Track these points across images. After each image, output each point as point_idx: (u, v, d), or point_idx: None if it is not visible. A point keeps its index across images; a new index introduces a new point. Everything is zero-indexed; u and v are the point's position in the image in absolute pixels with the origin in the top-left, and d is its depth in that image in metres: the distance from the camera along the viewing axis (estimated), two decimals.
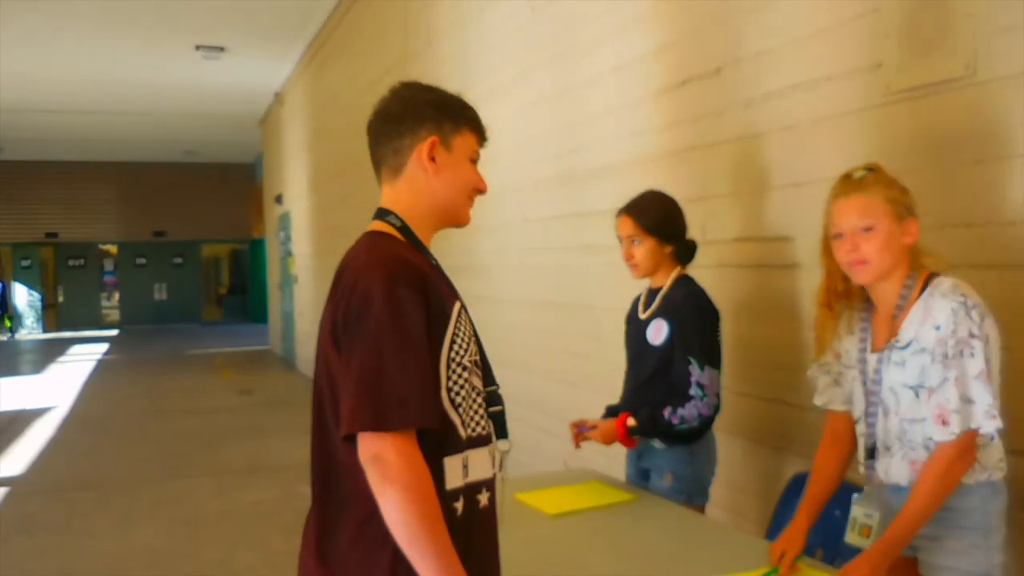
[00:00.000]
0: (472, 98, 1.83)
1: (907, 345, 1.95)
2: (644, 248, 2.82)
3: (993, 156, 2.23)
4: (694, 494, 2.81)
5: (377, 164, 1.77)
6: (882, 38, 2.53)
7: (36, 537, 5.46)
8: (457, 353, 1.60)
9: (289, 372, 13.60)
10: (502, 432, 1.72)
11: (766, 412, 3.11)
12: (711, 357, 2.71)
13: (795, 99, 2.89)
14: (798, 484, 2.62)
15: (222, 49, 11.12)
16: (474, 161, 1.75)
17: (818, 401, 2.23)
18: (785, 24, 2.93)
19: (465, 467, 1.60)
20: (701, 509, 2.82)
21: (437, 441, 1.56)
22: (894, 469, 2.02)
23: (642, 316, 2.87)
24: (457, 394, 1.59)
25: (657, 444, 2.80)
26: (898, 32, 2.48)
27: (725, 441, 3.02)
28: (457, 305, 1.64)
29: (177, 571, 4.80)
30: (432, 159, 1.70)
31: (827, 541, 2.29)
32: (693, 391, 2.66)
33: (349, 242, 1.80)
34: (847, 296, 2.11)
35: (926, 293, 1.95)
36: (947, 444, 1.88)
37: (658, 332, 2.78)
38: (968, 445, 1.89)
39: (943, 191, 2.33)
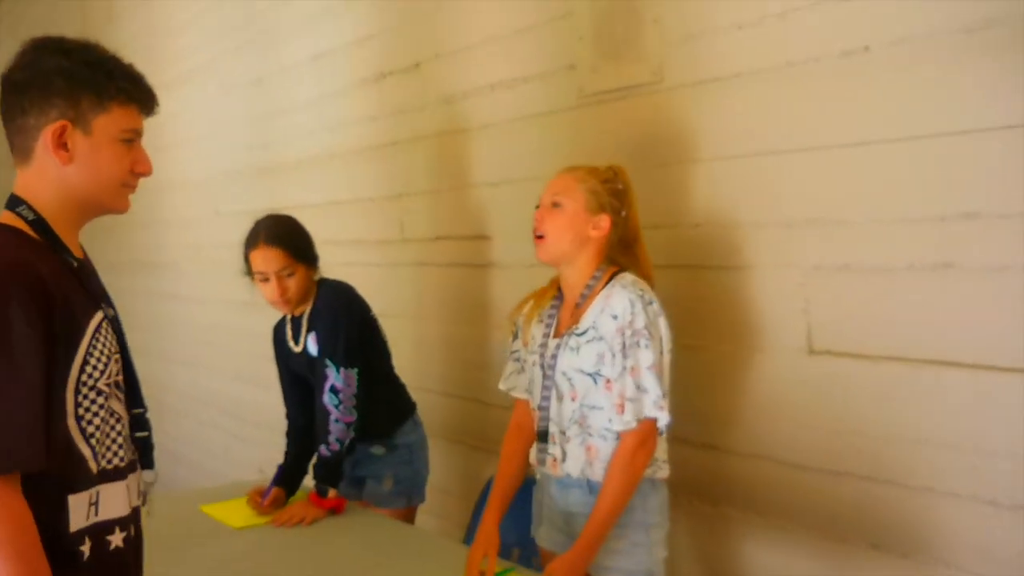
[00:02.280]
0: (159, 84, 1.58)
1: (584, 332, 1.97)
2: (298, 279, 2.54)
3: (677, 160, 2.31)
4: (414, 495, 2.72)
5: (8, 140, 1.45)
6: (576, 41, 2.56)
7: None
8: (91, 376, 1.37)
9: None
10: (148, 461, 1.51)
11: (465, 411, 3.08)
12: (350, 357, 2.52)
13: (493, 97, 2.88)
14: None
15: None
16: (130, 140, 1.45)
17: (502, 386, 2.21)
18: (484, 23, 2.91)
19: (94, 504, 1.37)
20: (414, 511, 2.74)
21: (61, 478, 1.33)
22: (570, 456, 2.00)
23: (297, 348, 2.63)
24: (90, 423, 1.37)
25: (376, 450, 2.67)
26: (591, 36, 2.52)
27: (429, 443, 2.95)
28: (97, 317, 1.41)
29: None
30: (64, 146, 1.39)
31: (523, 539, 2.26)
32: (326, 398, 2.49)
33: None
34: (551, 286, 2.10)
35: (610, 284, 1.98)
36: (628, 433, 1.90)
37: (315, 346, 2.58)
38: (648, 433, 1.92)
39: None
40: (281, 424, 2.78)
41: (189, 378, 5.28)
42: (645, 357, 1.90)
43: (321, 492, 2.49)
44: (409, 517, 2.71)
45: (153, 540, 2.32)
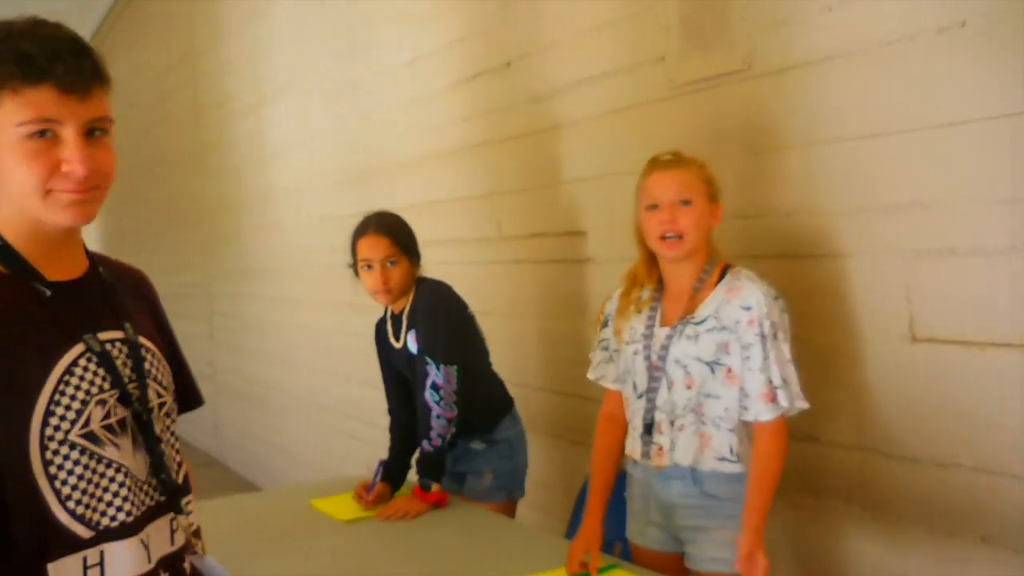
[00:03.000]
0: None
1: (703, 321, 1.96)
2: (401, 270, 2.60)
3: (769, 147, 2.27)
4: (514, 489, 2.75)
5: None
6: (664, 32, 2.55)
7: None
8: (58, 428, 1.15)
9: None
10: (174, 505, 1.29)
11: (564, 407, 3.09)
12: (449, 354, 2.55)
13: (582, 93, 2.88)
14: None
15: None
16: (42, 134, 1.15)
17: (591, 375, 2.22)
18: (571, 19, 2.92)
19: (97, 566, 1.18)
20: (515, 505, 2.77)
21: (34, 544, 1.14)
22: (680, 444, 1.99)
23: (398, 345, 2.68)
24: (64, 483, 1.15)
25: (476, 445, 2.71)
26: (679, 26, 2.50)
27: (528, 438, 2.98)
28: (70, 355, 1.18)
29: None
30: None
31: (619, 527, 2.26)
32: (427, 395, 2.53)
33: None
34: (648, 278, 2.09)
35: (728, 277, 1.98)
36: (772, 422, 1.90)
37: (415, 344, 2.62)
38: (784, 425, 1.92)
39: (725, 183, 2.36)
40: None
41: (303, 380, 5.44)
42: (785, 349, 1.91)
43: (424, 487, 2.54)
44: (510, 511, 2.74)
45: (265, 532, 2.44)
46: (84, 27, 10.09)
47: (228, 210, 6.41)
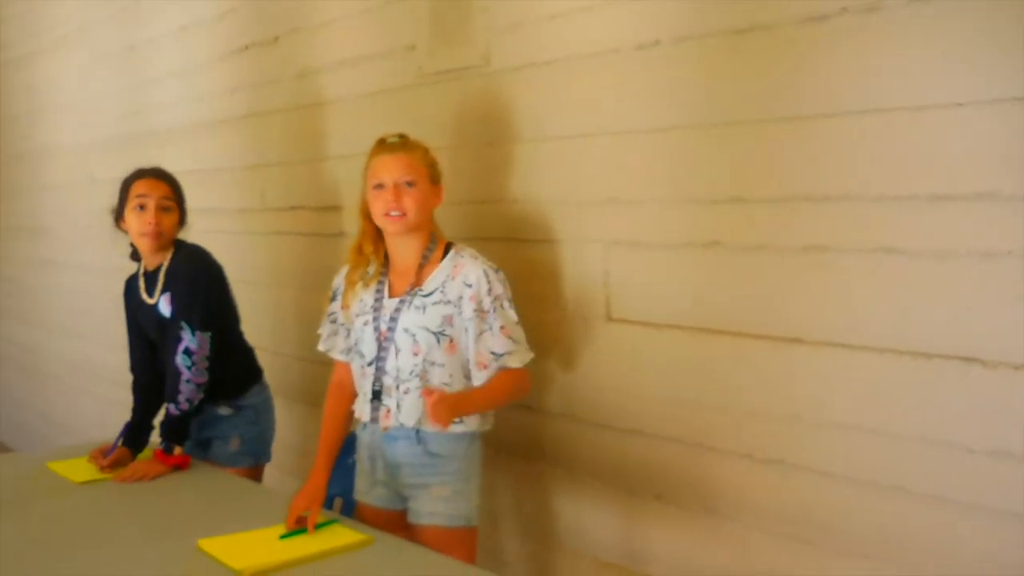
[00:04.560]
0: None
1: (430, 293, 2.14)
2: (171, 219, 2.63)
3: (502, 139, 2.46)
4: (261, 454, 2.82)
5: None
6: (416, 23, 2.68)
7: None
8: None
9: None
10: None
11: (320, 375, 3.19)
12: (206, 321, 2.61)
13: (342, 73, 2.99)
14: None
15: None
16: None
17: (321, 347, 2.36)
18: (337, 0, 3.01)
19: None
20: (261, 470, 2.85)
21: None
22: (405, 407, 2.15)
23: (150, 301, 2.69)
24: None
25: (223, 411, 2.76)
26: (428, 19, 2.65)
27: (285, 405, 3.07)
28: None
29: None
30: None
31: (345, 489, 2.40)
32: (179, 359, 2.59)
33: None
34: (375, 253, 2.23)
35: (453, 253, 2.16)
36: (516, 370, 2.12)
37: (168, 306, 2.66)
38: (527, 375, 2.15)
39: (464, 169, 2.53)
40: None
41: (65, 344, 5.27)
42: (511, 315, 2.12)
43: (167, 449, 2.58)
44: (256, 476, 2.82)
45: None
46: None
47: None
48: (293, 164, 3.27)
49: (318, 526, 2.08)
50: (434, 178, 2.19)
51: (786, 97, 1.82)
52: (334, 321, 2.32)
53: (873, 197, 1.70)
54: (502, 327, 2.11)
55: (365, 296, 2.23)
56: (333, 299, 2.32)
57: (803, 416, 1.84)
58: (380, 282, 2.22)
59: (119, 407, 4.44)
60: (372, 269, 2.23)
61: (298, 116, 3.21)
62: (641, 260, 2.13)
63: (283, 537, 2.05)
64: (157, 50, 4.06)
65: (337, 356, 2.32)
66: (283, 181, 3.32)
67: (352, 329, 2.26)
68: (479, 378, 2.12)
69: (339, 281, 2.30)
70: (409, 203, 2.13)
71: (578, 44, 2.23)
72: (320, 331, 2.36)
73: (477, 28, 2.50)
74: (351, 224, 3.00)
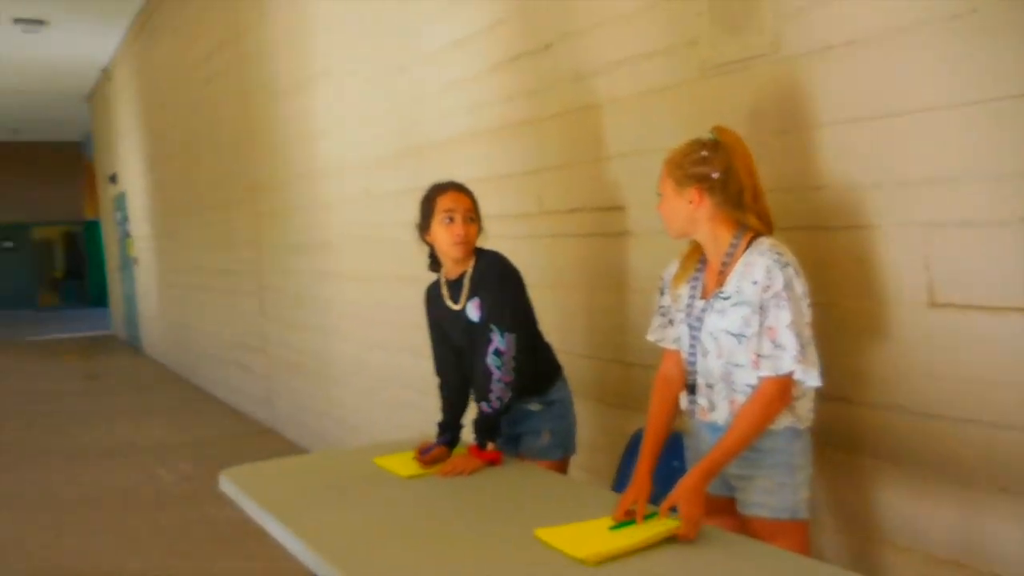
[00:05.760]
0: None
1: (729, 296, 2.14)
2: (475, 231, 2.78)
3: (797, 126, 2.41)
4: (569, 445, 2.93)
5: None
6: (696, 17, 2.68)
7: None
8: None
9: (135, 356, 13.15)
10: None
11: (607, 373, 3.26)
12: (513, 322, 2.72)
13: (619, 74, 3.02)
14: (639, 440, 2.77)
15: (42, 23, 10.51)
16: None
17: (650, 337, 2.40)
18: (607, 2, 3.05)
19: None
20: (567, 462, 2.95)
21: None
22: (718, 407, 2.19)
23: (456, 307, 2.83)
24: None
25: (533, 406, 2.88)
26: (710, 10, 2.63)
27: (575, 403, 3.15)
28: None
29: (36, 562, 4.64)
30: None
31: (668, 489, 2.41)
32: (490, 360, 2.70)
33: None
34: (697, 250, 2.28)
35: (749, 249, 2.14)
36: (767, 382, 2.06)
37: (476, 312, 2.77)
38: (786, 387, 2.08)
39: (757, 159, 2.49)
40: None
41: (349, 350, 5.65)
42: (783, 317, 2.05)
43: (480, 445, 2.74)
44: (563, 469, 2.93)
45: (331, 487, 2.65)
46: (126, 12, 10.33)
47: (276, 188, 6.62)
48: (570, 167, 3.35)
49: (645, 517, 2.13)
50: (681, 184, 2.18)
51: None
52: (664, 314, 2.37)
53: None
54: (770, 328, 2.07)
55: (683, 292, 2.27)
56: (662, 293, 2.37)
57: None
58: (695, 279, 2.26)
59: (407, 408, 4.76)
60: (696, 266, 2.27)
61: (574, 119, 3.29)
62: (968, 241, 2.02)
63: (613, 528, 2.12)
64: (429, 67, 4.28)
65: (668, 345, 2.36)
66: (561, 184, 3.40)
67: (676, 322, 2.31)
68: (754, 378, 2.10)
69: (667, 274, 2.35)
70: (662, 212, 2.25)
71: (880, 20, 2.14)
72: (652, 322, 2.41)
73: (764, 15, 2.46)
74: (634, 223, 3.05)
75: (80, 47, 12.16)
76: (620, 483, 2.78)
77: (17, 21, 10.36)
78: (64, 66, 13.18)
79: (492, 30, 3.73)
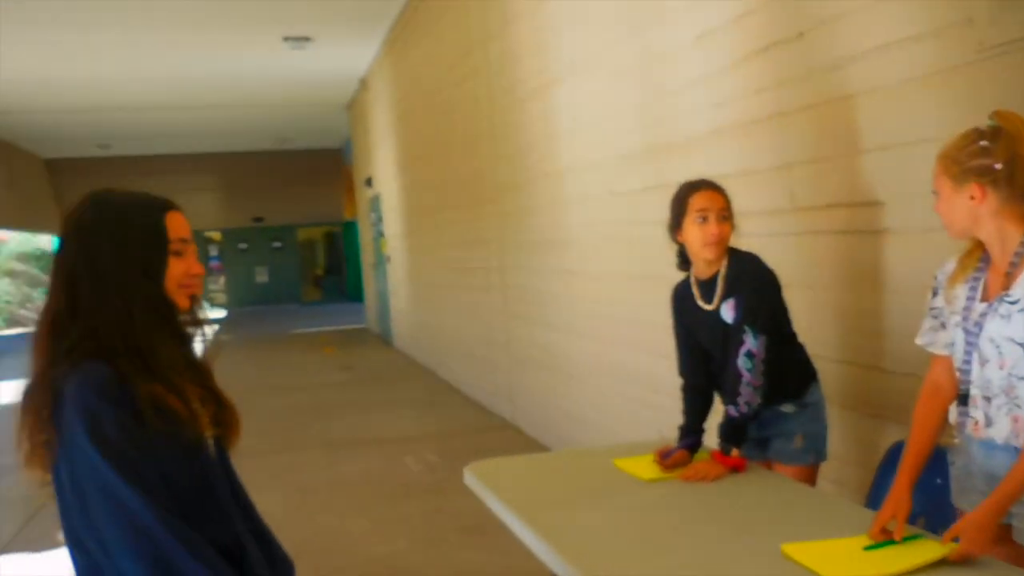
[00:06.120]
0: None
1: (1016, 300, 1.92)
2: (729, 229, 2.70)
3: None
4: (821, 450, 2.80)
5: None
6: None
7: None
8: None
9: (385, 348, 13.92)
10: None
11: (861, 379, 3.06)
12: (767, 324, 2.62)
13: (879, 60, 2.82)
14: (897, 453, 2.58)
15: (308, 39, 11.35)
16: None
17: (919, 341, 2.20)
18: None
19: None
20: (816, 471, 2.81)
21: None
22: (996, 422, 1.97)
23: (708, 307, 2.75)
24: None
25: (787, 408, 2.76)
26: None
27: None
28: None
29: (294, 536, 5.00)
30: None
31: (928, 508, 2.25)
32: (741, 362, 2.59)
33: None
34: (978, 248, 2.07)
35: None
36: None
37: (731, 312, 2.68)
38: None
39: None
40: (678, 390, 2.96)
41: (588, 348, 5.67)
42: None
43: (725, 451, 2.63)
44: (811, 477, 2.78)
45: (572, 488, 2.65)
46: (385, 19, 10.94)
47: (520, 188, 6.76)
48: (824, 160, 3.17)
49: (905, 539, 1.97)
50: (958, 180, 1.96)
51: None
52: (936, 316, 2.16)
53: None
54: None
55: (960, 293, 2.07)
56: (935, 294, 2.17)
57: None
58: (975, 279, 2.04)
59: (646, 409, 4.70)
60: (976, 265, 2.06)
61: (828, 110, 3.11)
62: None
63: (868, 548, 1.97)
64: (674, 61, 4.20)
65: (938, 351, 2.16)
66: (814, 179, 3.23)
67: (950, 326, 2.11)
68: None
69: (942, 274, 2.15)
70: (940, 212, 2.04)
71: None
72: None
73: None
74: (895, 220, 2.84)
75: (341, 60, 13.00)
76: (874, 499, 2.59)
77: (286, 39, 11.24)
78: (326, 79, 14.17)
79: (740, 21, 3.60)
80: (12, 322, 23.78)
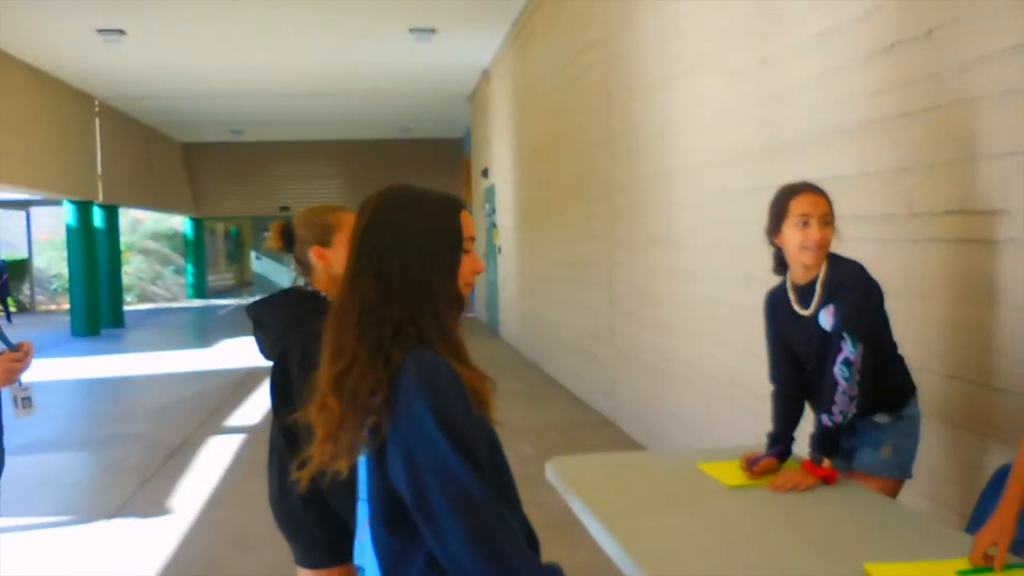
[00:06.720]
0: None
1: None
2: (831, 235, 2.60)
3: None
4: (908, 466, 2.69)
5: None
6: None
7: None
8: None
9: (493, 339, 14.00)
10: None
11: (968, 396, 2.91)
12: (868, 334, 2.52)
13: (1012, 62, 2.66)
14: (1004, 475, 2.44)
15: (433, 31, 11.52)
16: None
17: None
18: None
19: None
20: (900, 485, 2.69)
21: None
22: None
23: (806, 313, 2.66)
24: None
25: (880, 418, 2.66)
26: None
27: (923, 424, 2.85)
28: None
29: None
30: None
31: None
32: (838, 370, 2.49)
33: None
34: None
35: None
36: None
37: (830, 319, 2.59)
38: None
39: None
40: None
41: (691, 348, 5.57)
42: None
43: (816, 461, 2.54)
44: (895, 491, 2.66)
45: (654, 490, 2.59)
46: (509, 12, 11.00)
47: (632, 186, 6.68)
48: (946, 165, 3.02)
49: (1007, 567, 1.85)
50: None
51: None
52: None
53: None
54: None
55: None
56: None
57: None
58: None
59: (747, 414, 4.58)
60: None
61: (954, 112, 2.95)
62: None
63: (962, 573, 1.86)
64: (792, 59, 4.07)
65: None
66: (934, 184, 3.08)
67: None
68: None
69: None
70: None
71: None
72: None
73: None
74: (1016, 230, 2.68)
75: (465, 52, 13.15)
76: (976, 523, 2.46)
77: (412, 31, 11.43)
78: (450, 70, 14.35)
79: (865, 18, 3.46)
80: (143, 298, 24.96)
